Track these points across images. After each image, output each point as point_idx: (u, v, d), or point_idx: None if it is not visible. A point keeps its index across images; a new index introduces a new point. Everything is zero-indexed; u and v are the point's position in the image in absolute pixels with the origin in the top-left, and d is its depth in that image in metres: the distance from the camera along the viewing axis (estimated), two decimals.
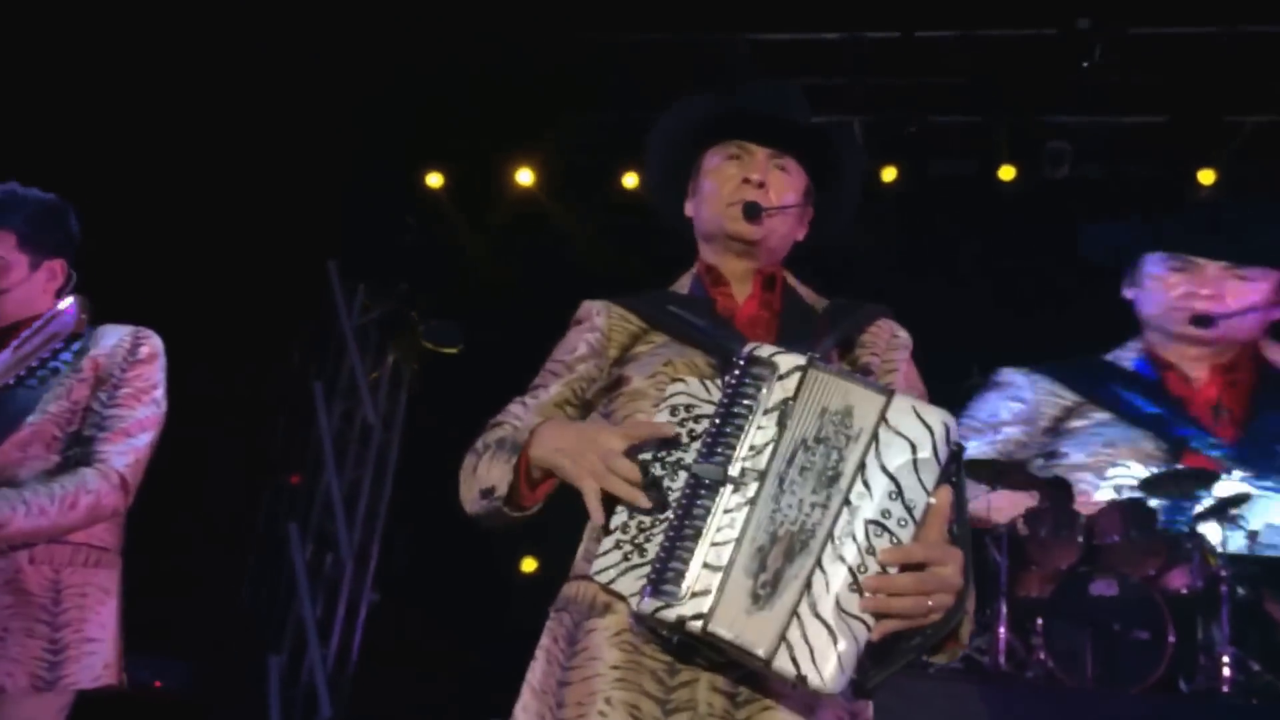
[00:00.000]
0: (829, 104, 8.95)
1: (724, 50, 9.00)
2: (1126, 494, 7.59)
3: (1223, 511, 7.01)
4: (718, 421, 2.46)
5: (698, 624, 2.34)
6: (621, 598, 2.46)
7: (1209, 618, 6.69)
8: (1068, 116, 8.50)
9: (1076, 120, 8.50)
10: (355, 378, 9.52)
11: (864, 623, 2.33)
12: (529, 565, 9.35)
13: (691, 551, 2.38)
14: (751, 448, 2.43)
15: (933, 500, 2.40)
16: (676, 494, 2.46)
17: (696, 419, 2.51)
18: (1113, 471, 7.88)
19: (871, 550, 2.34)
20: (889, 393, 2.44)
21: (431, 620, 9.07)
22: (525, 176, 9.41)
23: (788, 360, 2.49)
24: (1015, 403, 5.57)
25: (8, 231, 3.94)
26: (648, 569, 2.42)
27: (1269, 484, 7.34)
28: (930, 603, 2.37)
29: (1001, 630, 6.82)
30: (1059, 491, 7.47)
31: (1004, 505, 7.48)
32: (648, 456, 2.51)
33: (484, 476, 2.71)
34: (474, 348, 9.47)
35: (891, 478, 2.38)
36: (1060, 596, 6.81)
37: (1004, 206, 8.59)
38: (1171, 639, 6.54)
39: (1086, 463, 8.45)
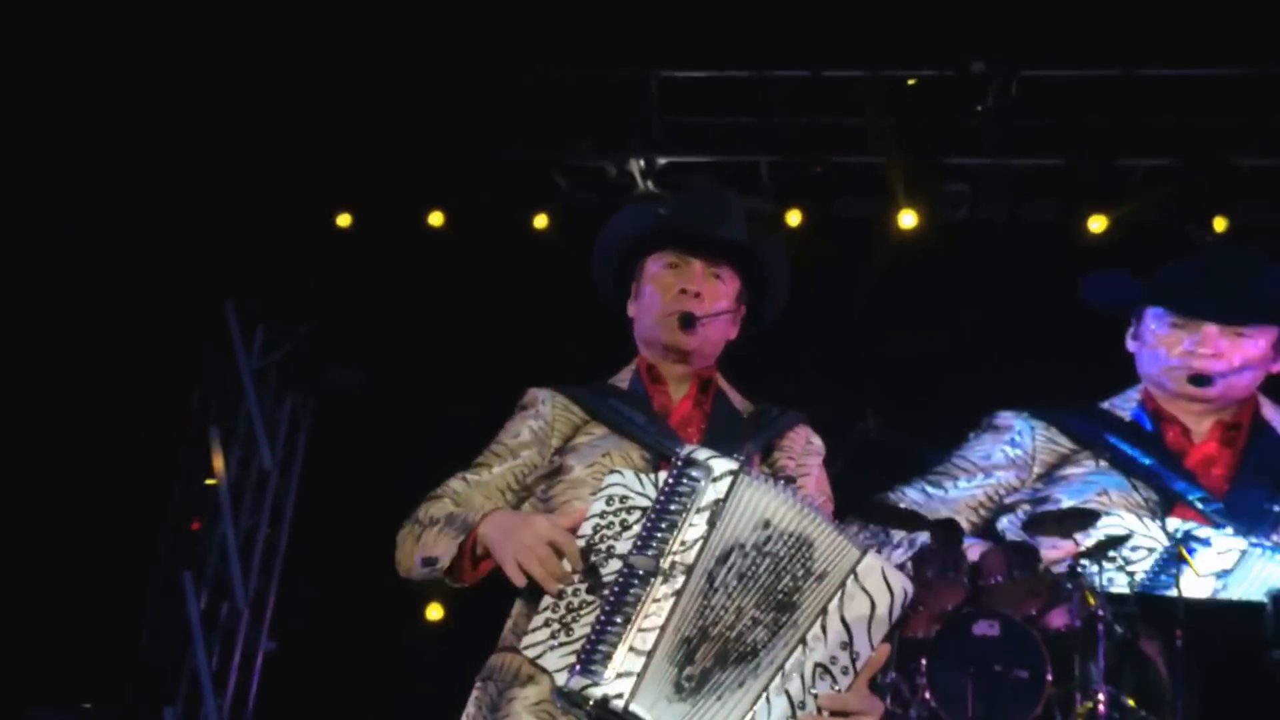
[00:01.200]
0: (738, 144, 9.16)
1: (634, 88, 9.18)
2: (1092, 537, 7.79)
3: (1104, 551, 7.15)
4: (653, 516, 2.75)
5: (619, 703, 2.63)
6: (547, 672, 2.74)
7: (1086, 657, 6.83)
8: (968, 159, 8.70)
9: (977, 163, 8.71)
10: (253, 422, 9.62)
11: None
12: (435, 612, 9.40)
13: (620, 635, 2.66)
14: (682, 543, 2.72)
15: (873, 653, 2.73)
16: (608, 579, 2.73)
17: (629, 510, 2.79)
18: (1104, 521, 8.00)
19: (814, 690, 2.67)
20: (863, 549, 2.76)
21: (330, 669, 9.14)
22: (435, 218, 9.52)
23: (721, 464, 2.77)
24: (1012, 448, 5.66)
25: None
26: (574, 647, 2.70)
27: (1258, 542, 7.51)
28: None
29: (891, 672, 6.95)
30: (949, 533, 7.60)
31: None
32: (581, 543, 2.79)
33: (429, 546, 3.01)
34: (376, 393, 9.56)
35: (847, 628, 2.69)
36: (944, 637, 6.90)
37: (904, 248, 8.77)
38: (1049, 678, 6.67)
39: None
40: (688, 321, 3.25)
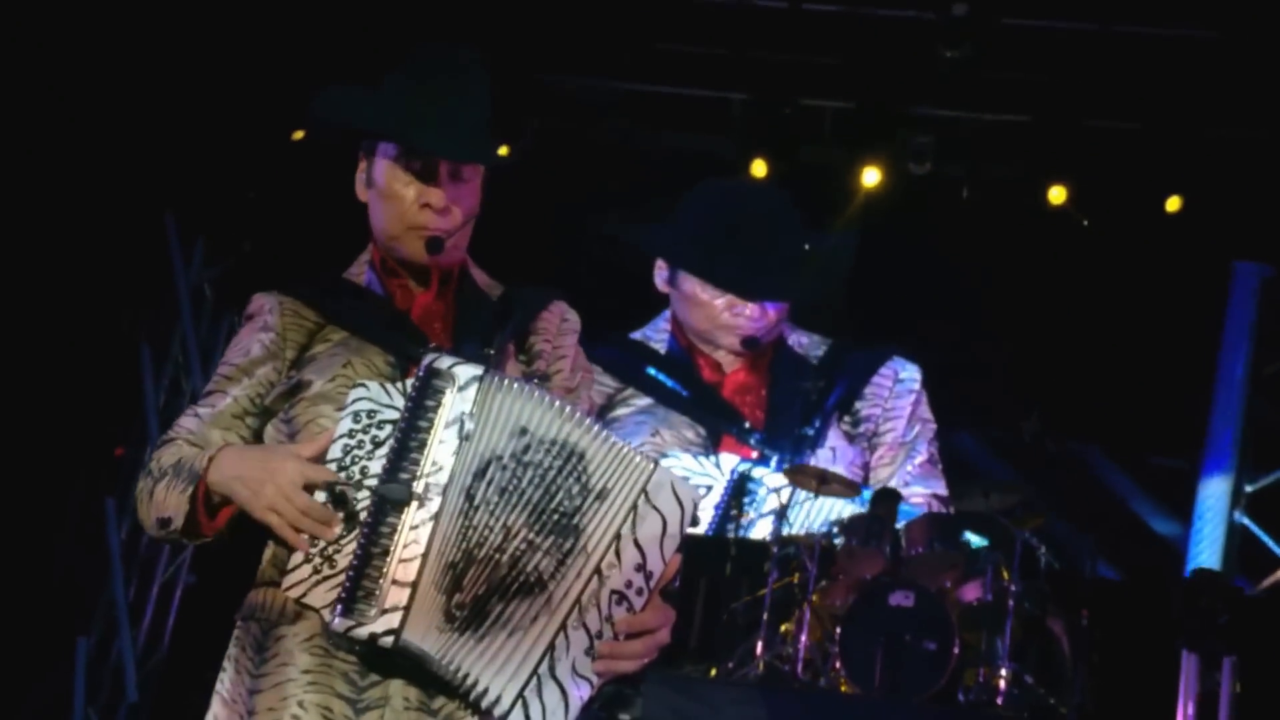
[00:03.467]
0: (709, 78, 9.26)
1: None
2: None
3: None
4: (400, 436, 2.72)
5: (389, 640, 2.66)
6: (314, 609, 2.72)
7: (993, 632, 7.09)
8: (934, 109, 8.82)
9: (942, 114, 8.84)
10: (186, 342, 9.68)
11: (590, 682, 2.73)
12: None
13: (380, 569, 2.66)
14: (434, 463, 2.70)
15: (665, 568, 2.76)
16: (363, 507, 2.72)
17: (380, 425, 2.75)
18: (664, 464, 8.19)
19: (610, 618, 2.72)
20: (653, 463, 2.77)
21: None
22: None
23: (465, 371, 2.75)
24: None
25: None
26: (339, 580, 2.69)
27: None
28: (645, 660, 2.80)
29: (803, 639, 7.16)
30: (885, 503, 7.76)
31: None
32: (332, 467, 2.75)
33: (161, 505, 2.91)
34: None
35: (641, 550, 2.72)
36: (860, 606, 7.17)
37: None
38: (956, 651, 6.94)
39: None
40: (435, 247, 3.09)
